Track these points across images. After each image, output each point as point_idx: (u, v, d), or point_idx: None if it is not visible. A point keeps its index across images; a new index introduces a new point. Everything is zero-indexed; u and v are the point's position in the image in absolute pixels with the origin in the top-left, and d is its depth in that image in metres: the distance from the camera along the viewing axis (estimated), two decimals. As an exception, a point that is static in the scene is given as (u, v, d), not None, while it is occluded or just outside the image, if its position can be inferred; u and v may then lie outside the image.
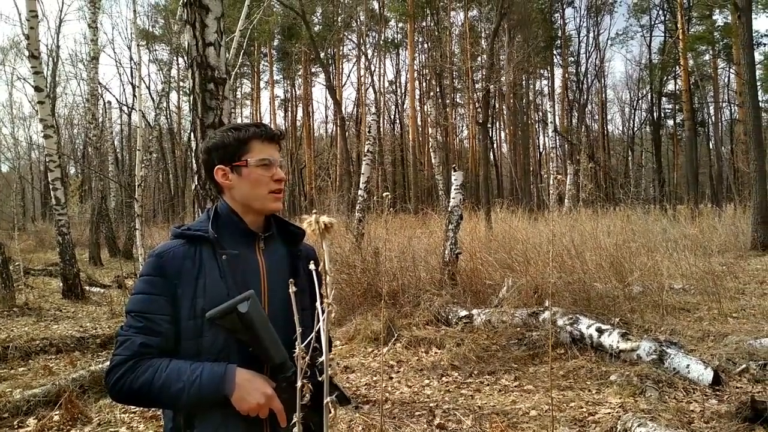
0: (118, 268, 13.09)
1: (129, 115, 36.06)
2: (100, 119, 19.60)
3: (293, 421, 0.79)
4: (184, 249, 1.55)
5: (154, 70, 39.90)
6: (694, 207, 21.36)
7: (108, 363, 1.51)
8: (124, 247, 18.00)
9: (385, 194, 4.28)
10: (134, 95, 33.99)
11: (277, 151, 1.67)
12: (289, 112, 42.91)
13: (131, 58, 36.46)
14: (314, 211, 0.80)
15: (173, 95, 37.81)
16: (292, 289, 0.84)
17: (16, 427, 4.35)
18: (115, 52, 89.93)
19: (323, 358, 0.74)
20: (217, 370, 1.44)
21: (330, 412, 0.72)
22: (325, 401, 0.72)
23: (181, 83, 38.22)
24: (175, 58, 31.19)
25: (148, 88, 34.16)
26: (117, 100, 35.52)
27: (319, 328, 0.76)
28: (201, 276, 1.51)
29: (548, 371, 5.26)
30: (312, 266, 0.85)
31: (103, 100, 28.26)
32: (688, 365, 4.87)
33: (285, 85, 43.74)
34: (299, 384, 0.76)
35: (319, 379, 0.75)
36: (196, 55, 5.02)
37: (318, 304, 0.77)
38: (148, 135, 19.15)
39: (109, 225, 18.57)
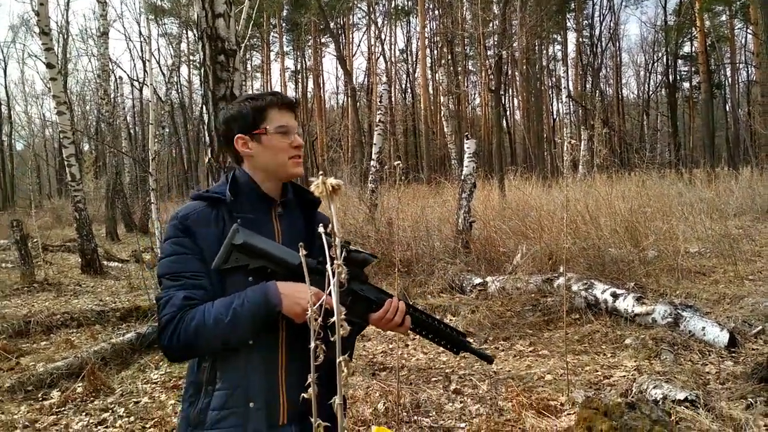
0: (134, 243, 13.24)
1: (140, 90, 36.09)
2: (112, 95, 19.63)
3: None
4: (206, 210, 1.59)
5: (164, 44, 39.91)
6: (710, 170, 21.09)
7: (157, 325, 1.54)
8: (140, 221, 18.19)
9: (396, 163, 4.27)
10: (145, 70, 33.95)
11: (293, 118, 1.69)
12: (300, 84, 42.65)
13: (140, 33, 36.36)
14: (320, 173, 0.80)
15: (183, 69, 37.79)
16: (302, 252, 0.84)
17: (40, 399, 4.46)
18: (124, 27, 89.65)
19: (335, 317, 0.74)
20: (258, 288, 1.49)
21: (343, 371, 0.73)
22: (337, 360, 0.73)
23: (192, 57, 38.10)
24: (184, 31, 31.09)
25: (158, 62, 34.09)
26: (128, 75, 35.57)
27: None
28: (223, 237, 1.53)
29: (563, 336, 5.28)
30: (321, 229, 0.86)
31: (115, 76, 28.23)
32: (704, 327, 4.86)
33: (295, 56, 43.43)
34: (312, 345, 0.77)
35: (331, 339, 0.76)
36: (206, 27, 5.02)
37: (328, 266, 0.77)
38: (159, 110, 19.18)
39: (124, 200, 18.73)
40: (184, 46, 35.28)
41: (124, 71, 62.76)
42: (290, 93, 42.22)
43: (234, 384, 1.51)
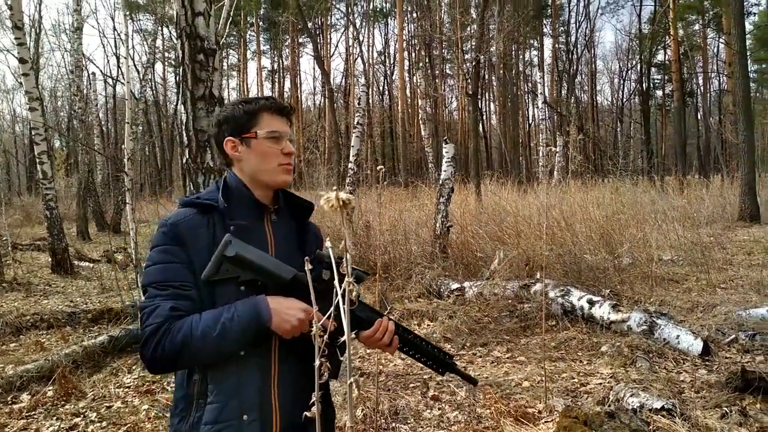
0: (106, 243, 13.01)
1: (114, 87, 35.57)
2: (85, 91, 19.26)
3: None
4: (197, 218, 1.55)
5: (138, 40, 39.27)
6: (682, 178, 21.46)
7: (140, 334, 1.47)
8: (112, 221, 17.86)
9: (379, 167, 4.25)
10: (119, 66, 33.49)
11: (287, 124, 1.66)
12: (277, 84, 42.44)
13: (115, 29, 35.71)
14: (334, 188, 0.78)
15: (158, 66, 37.29)
16: (308, 267, 0.82)
17: (9, 402, 4.35)
18: (98, 23, 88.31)
19: (344, 337, 0.72)
20: (249, 302, 1.46)
21: (354, 392, 0.71)
22: (348, 381, 0.71)
23: (167, 54, 37.68)
24: (159, 28, 30.69)
25: (133, 59, 33.59)
26: (101, 71, 34.86)
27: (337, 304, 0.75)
28: (214, 245, 1.49)
29: (540, 342, 5.31)
30: (328, 243, 0.84)
31: (87, 72, 27.75)
32: (678, 336, 4.93)
33: (272, 55, 43.20)
34: (317, 363, 0.75)
35: (341, 359, 0.74)
36: (185, 26, 4.93)
37: (336, 282, 0.76)
38: (134, 107, 18.90)
39: (96, 199, 18.39)
40: (159, 42, 34.84)
41: (98, 67, 61.71)
42: (266, 92, 41.98)
43: (227, 396, 1.48)
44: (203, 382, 1.48)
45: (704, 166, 31.47)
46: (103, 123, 33.11)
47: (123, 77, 29.77)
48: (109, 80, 35.27)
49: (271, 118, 1.62)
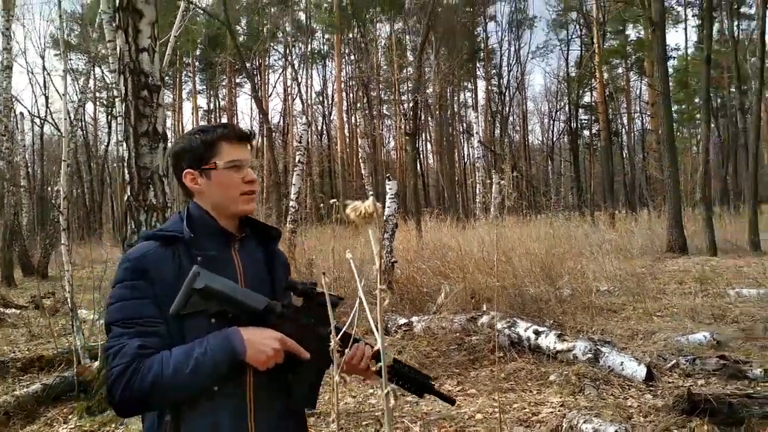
0: (33, 288, 12.35)
1: (42, 127, 34.37)
2: (12, 131, 18.56)
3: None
4: (161, 250, 1.48)
5: (69, 80, 38.22)
6: (611, 213, 22.33)
7: (107, 376, 1.38)
8: (39, 264, 17.03)
9: (332, 200, 4.21)
10: (47, 106, 32.50)
11: (246, 151, 1.62)
12: (213, 123, 42.03)
13: (44, 67, 34.75)
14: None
15: (89, 106, 36.37)
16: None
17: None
18: (27, 62, 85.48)
19: (378, 345, 0.71)
20: (221, 335, 1.41)
21: (391, 402, 0.69)
22: (384, 391, 0.69)
23: (98, 94, 36.84)
24: (92, 67, 30.04)
25: (63, 97, 32.63)
26: (29, 111, 33.66)
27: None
28: (181, 278, 1.42)
29: (489, 374, 5.35)
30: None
31: (15, 112, 26.76)
32: (622, 362, 5.05)
33: (208, 95, 42.91)
34: (336, 378, 0.73)
35: (373, 369, 0.72)
36: (129, 61, 4.85)
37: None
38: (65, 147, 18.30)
39: (22, 242, 17.56)
40: (91, 82, 34.02)
41: (25, 107, 59.57)
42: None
43: None
44: (174, 424, 1.40)
45: (631, 201, 32.89)
46: (29, 164, 31.81)
47: (52, 115, 28.93)
48: (36, 120, 34.08)
49: (230, 146, 1.57)
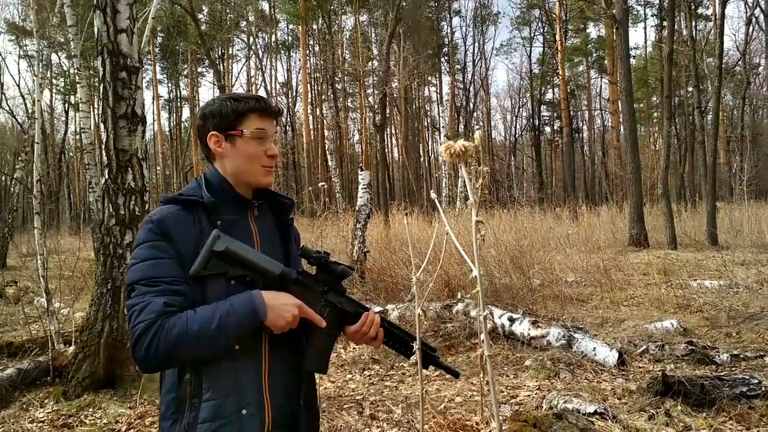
0: (-7, 277, 11.99)
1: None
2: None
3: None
4: (182, 214, 1.51)
5: (25, 67, 37.10)
6: (573, 208, 22.78)
7: (131, 334, 1.39)
8: (-3, 254, 16.54)
9: (309, 188, 4.26)
10: (1, 92, 31.36)
11: (273, 126, 1.65)
12: (174, 113, 41.35)
13: (-1, 53, 33.55)
14: (449, 135, 0.81)
15: (45, 94, 35.28)
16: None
17: None
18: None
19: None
20: (245, 296, 1.44)
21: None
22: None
23: (54, 80, 35.78)
24: (50, 53, 29.14)
25: (18, 85, 31.65)
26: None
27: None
28: (201, 241, 1.46)
29: (466, 360, 5.46)
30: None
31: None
32: (595, 348, 5.21)
33: (169, 85, 42.13)
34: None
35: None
36: (107, 42, 4.78)
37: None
38: (21, 137, 17.80)
39: (-22, 231, 17.00)
40: (49, 71, 32.99)
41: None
42: (164, 123, 40.79)
43: (225, 392, 1.44)
44: (197, 381, 1.44)
45: (591, 196, 33.60)
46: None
47: (8, 101, 28.00)
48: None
49: (258, 119, 1.60)
